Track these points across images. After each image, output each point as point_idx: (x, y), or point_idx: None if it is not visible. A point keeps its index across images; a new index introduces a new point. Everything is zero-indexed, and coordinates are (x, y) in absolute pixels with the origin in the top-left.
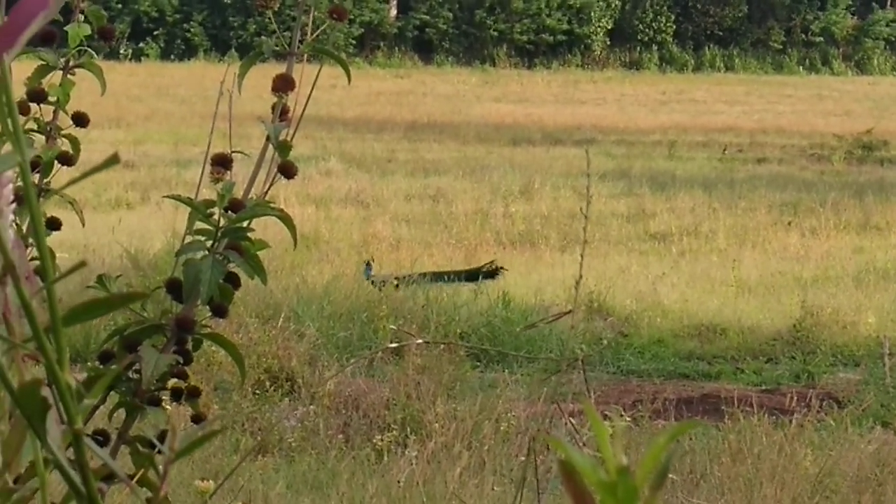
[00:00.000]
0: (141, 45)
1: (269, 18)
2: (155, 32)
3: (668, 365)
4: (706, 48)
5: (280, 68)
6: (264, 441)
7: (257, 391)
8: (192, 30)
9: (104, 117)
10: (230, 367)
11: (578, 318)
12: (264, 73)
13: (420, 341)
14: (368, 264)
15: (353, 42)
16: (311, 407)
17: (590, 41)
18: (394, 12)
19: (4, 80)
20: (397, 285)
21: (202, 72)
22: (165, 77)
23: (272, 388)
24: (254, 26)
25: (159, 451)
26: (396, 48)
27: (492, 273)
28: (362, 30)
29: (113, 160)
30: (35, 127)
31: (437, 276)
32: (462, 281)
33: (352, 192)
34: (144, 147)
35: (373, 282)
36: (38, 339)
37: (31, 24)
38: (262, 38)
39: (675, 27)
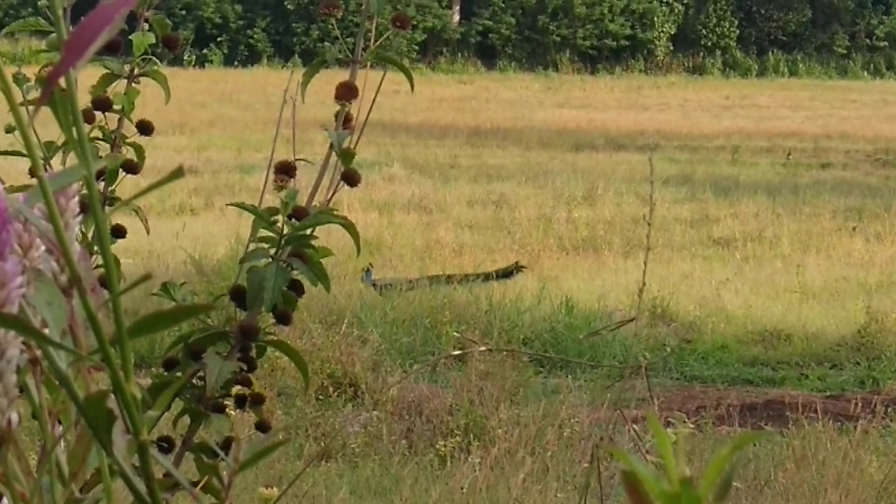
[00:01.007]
0: (205, 51)
1: (333, 25)
2: (219, 39)
3: (731, 371)
4: (770, 53)
5: (343, 74)
6: (328, 447)
7: (321, 397)
8: (255, 36)
9: (168, 123)
10: (294, 372)
11: (642, 325)
12: (328, 80)
13: (483, 349)
14: (368, 271)
15: (416, 48)
16: (375, 412)
17: (653, 46)
18: (456, 18)
19: (71, 93)
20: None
21: (265, 78)
22: (229, 83)
23: (335, 393)
24: (317, 32)
25: (223, 459)
26: (459, 54)
27: (507, 273)
28: (425, 36)
29: (177, 174)
30: (100, 135)
31: (449, 280)
32: (480, 281)
33: (415, 198)
34: (208, 153)
35: (374, 285)
36: (104, 351)
37: (97, 38)
38: (326, 45)
39: (738, 32)
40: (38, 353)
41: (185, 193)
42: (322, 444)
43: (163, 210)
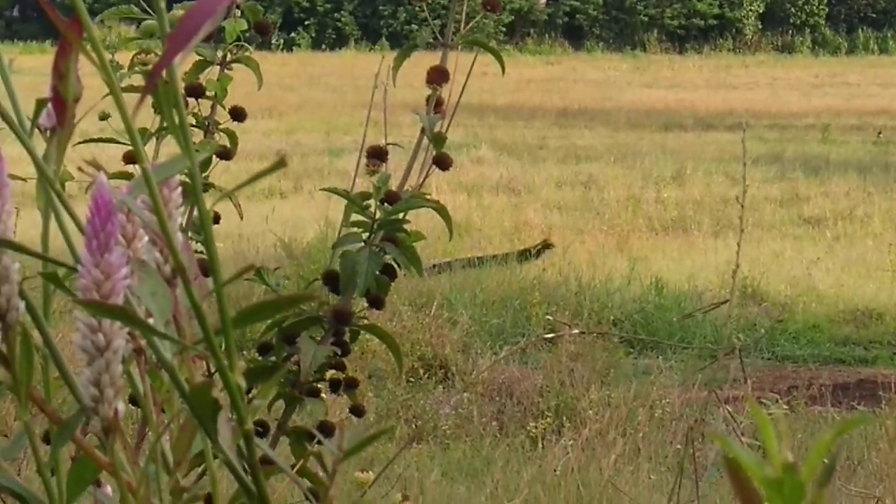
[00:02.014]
0: (293, 35)
1: (422, 8)
2: (306, 22)
3: (823, 350)
4: (859, 31)
5: (430, 56)
6: (420, 429)
7: (411, 379)
8: (342, 19)
9: (257, 107)
10: (384, 354)
11: (732, 305)
12: (415, 62)
13: (576, 332)
14: None
15: (504, 29)
16: (465, 394)
17: (741, 25)
18: None
19: (174, 85)
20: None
21: (353, 61)
22: (317, 66)
23: (426, 375)
24: (404, 15)
25: (319, 442)
26: (546, 35)
27: (536, 252)
28: (512, 17)
29: (280, 164)
30: (193, 122)
31: (480, 262)
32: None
33: (503, 180)
34: (296, 136)
35: None
36: (208, 341)
37: (199, 30)
38: (416, 28)
39: (827, 10)
40: (143, 342)
41: (274, 177)
42: (413, 426)
43: (252, 194)
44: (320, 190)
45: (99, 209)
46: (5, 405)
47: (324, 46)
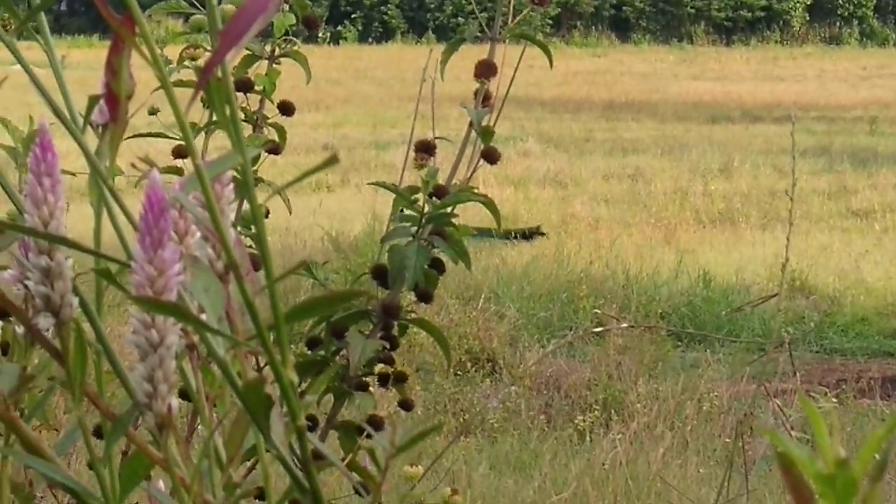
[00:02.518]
0: (339, 28)
1: (468, 0)
2: (353, 16)
3: (872, 343)
4: None
5: (477, 49)
6: (467, 422)
7: (459, 372)
8: (389, 12)
9: (304, 101)
10: (432, 348)
11: (781, 298)
12: (461, 55)
13: (624, 325)
14: None
15: (550, 21)
16: (513, 388)
17: (788, 17)
18: None
19: (226, 81)
20: None
21: (399, 54)
22: (363, 60)
23: (473, 369)
24: (451, 8)
25: (368, 436)
26: (593, 27)
27: (527, 235)
28: (559, 9)
29: (332, 161)
30: (242, 117)
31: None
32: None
33: (550, 173)
34: (343, 130)
35: None
36: (261, 337)
37: (251, 26)
38: (463, 22)
39: (875, 1)
40: (196, 338)
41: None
42: (461, 419)
43: (299, 187)
44: (368, 184)
45: (152, 206)
46: (55, 399)
47: (370, 40)
